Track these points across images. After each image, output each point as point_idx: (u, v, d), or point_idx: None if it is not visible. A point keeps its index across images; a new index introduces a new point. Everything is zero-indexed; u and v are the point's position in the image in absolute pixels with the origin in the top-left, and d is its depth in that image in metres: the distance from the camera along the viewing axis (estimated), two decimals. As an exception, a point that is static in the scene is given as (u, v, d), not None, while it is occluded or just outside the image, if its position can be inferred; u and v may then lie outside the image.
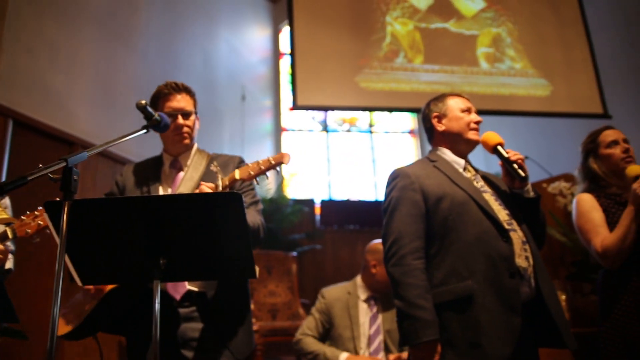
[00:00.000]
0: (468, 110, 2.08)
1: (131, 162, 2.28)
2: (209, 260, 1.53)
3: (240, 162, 2.09)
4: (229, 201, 1.44)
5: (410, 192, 1.91)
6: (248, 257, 1.52)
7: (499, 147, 1.96)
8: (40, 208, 1.83)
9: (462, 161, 2.06)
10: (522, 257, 1.81)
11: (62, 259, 1.15)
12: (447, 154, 2.07)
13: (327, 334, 2.88)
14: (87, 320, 1.86)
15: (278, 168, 1.83)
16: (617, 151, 2.34)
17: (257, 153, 7.46)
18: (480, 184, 2.01)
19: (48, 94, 4.21)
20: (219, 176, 1.82)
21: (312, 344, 2.84)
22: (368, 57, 6.68)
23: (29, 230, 1.79)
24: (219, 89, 7.11)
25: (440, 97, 2.15)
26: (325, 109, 7.97)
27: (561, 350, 1.84)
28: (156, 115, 1.70)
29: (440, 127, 2.10)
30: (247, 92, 7.84)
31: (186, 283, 1.88)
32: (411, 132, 9.12)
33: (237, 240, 1.49)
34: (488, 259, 1.77)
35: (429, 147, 2.17)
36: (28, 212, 1.83)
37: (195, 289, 1.86)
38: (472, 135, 2.04)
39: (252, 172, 1.80)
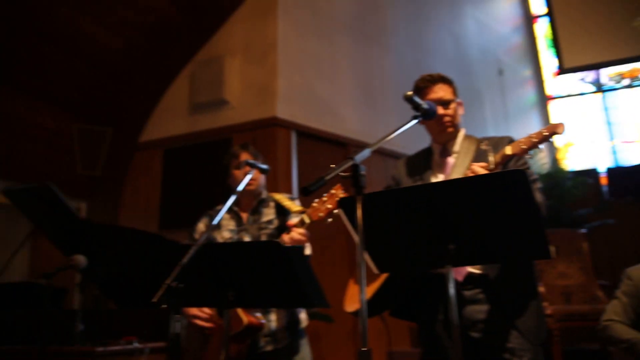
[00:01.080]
0: None
1: (399, 154, 2.36)
2: (498, 242, 1.49)
3: (510, 142, 1.99)
4: (513, 179, 1.39)
5: None
6: (540, 236, 1.44)
7: None
8: (326, 194, 2.02)
9: None
10: None
11: (363, 248, 1.25)
12: None
13: (641, 320, 2.45)
14: (372, 300, 1.96)
15: (551, 139, 1.69)
16: None
17: (524, 127, 7.02)
18: None
19: (318, 103, 4.68)
20: (490, 154, 1.77)
21: (625, 332, 2.43)
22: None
23: (321, 214, 2.01)
24: (473, 68, 6.93)
25: None
26: (599, 66, 7.03)
27: None
28: (424, 103, 1.73)
29: None
30: (504, 65, 7.43)
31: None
32: None
33: (525, 219, 1.43)
34: None
35: None
36: (317, 200, 2.03)
37: (477, 272, 1.83)
38: None
39: (524, 146, 1.72)
